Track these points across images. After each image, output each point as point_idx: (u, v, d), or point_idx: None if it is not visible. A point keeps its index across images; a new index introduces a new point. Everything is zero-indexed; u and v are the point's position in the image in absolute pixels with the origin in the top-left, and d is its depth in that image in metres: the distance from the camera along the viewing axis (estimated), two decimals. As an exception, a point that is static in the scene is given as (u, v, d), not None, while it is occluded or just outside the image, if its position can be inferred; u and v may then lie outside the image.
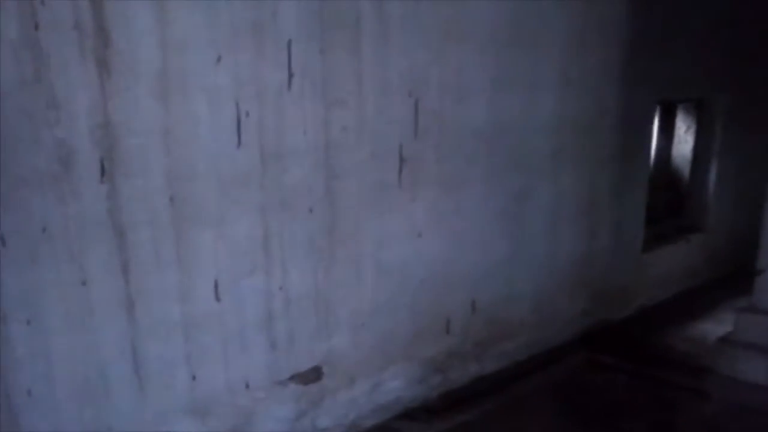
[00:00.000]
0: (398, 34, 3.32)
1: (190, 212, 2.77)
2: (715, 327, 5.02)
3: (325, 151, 3.14)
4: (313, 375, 3.30)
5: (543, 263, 4.46)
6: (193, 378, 2.88)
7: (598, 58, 4.46)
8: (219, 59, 2.73)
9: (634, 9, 4.58)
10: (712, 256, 6.14)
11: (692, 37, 5.22)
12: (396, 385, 3.69)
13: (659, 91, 5.06)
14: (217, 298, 2.90)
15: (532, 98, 4.08)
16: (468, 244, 3.93)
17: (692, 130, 5.91)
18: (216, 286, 2.89)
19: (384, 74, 3.31)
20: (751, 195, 6.91)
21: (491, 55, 3.77)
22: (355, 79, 3.19)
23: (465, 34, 3.61)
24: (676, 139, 5.98)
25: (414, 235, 3.62)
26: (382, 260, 3.50)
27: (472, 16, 3.61)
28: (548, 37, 4.09)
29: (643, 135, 5.10)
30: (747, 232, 6.74)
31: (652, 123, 5.23)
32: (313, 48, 2.99)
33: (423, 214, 3.64)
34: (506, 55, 3.85)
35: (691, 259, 5.90)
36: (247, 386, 3.07)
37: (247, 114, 2.85)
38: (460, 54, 3.61)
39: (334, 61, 3.08)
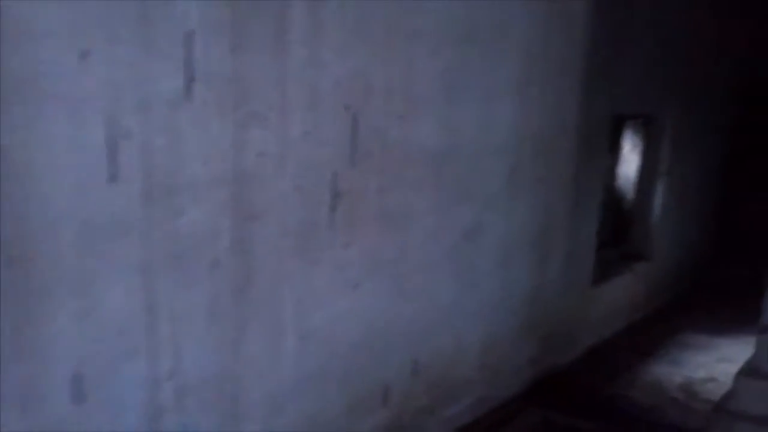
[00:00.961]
0: (334, 28, 2.52)
1: (37, 278, 1.86)
2: (671, 370, 4.57)
3: (235, 184, 2.30)
4: (216, 482, 2.46)
5: (492, 307, 3.79)
6: None
7: (559, 64, 3.84)
8: (85, 55, 1.84)
9: (595, 12, 3.99)
10: (653, 286, 5.72)
11: (644, 50, 4.73)
12: (322, 477, 2.90)
13: (613, 106, 4.51)
14: (78, 398, 2.01)
15: (488, 110, 3.39)
16: (411, 293, 3.19)
17: (638, 149, 5.44)
18: (76, 381, 2.00)
19: (315, 81, 2.51)
20: (693, 219, 6.67)
21: (444, 57, 3.05)
22: (277, 88, 2.37)
23: (414, 29, 2.86)
24: (620, 159, 5.49)
25: (348, 288, 2.84)
26: (307, 323, 2.70)
27: (422, 6, 2.87)
28: (507, 36, 3.41)
29: (598, 154, 4.54)
30: (687, 259, 6.47)
31: (606, 140, 4.68)
32: (221, 44, 2.14)
33: (360, 260, 2.86)
34: (461, 56, 3.14)
35: (634, 291, 5.44)
36: None
37: (126, 134, 1.97)
38: (408, 54, 2.86)
39: (249, 62, 2.25)
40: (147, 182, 2.05)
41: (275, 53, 2.33)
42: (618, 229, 5.52)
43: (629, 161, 5.45)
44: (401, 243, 3.05)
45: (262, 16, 2.24)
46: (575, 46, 3.94)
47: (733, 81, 6.51)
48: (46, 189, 1.85)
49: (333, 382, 2.87)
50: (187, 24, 2.01)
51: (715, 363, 4.69)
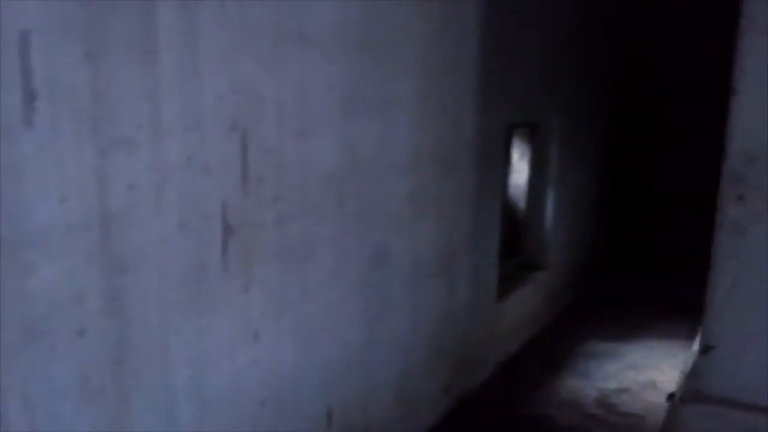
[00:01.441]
0: (214, 33, 2.11)
1: None
2: (584, 383, 4.45)
3: (101, 228, 1.82)
4: None
5: (404, 340, 3.46)
6: None
7: (455, 76, 3.61)
8: None
9: (486, 25, 3.81)
10: (551, 296, 5.64)
11: (533, 62, 4.65)
12: None
13: (506, 117, 4.37)
14: None
15: (388, 125, 3.08)
16: (319, 336, 2.79)
17: (527, 158, 5.36)
18: None
19: (194, 96, 2.08)
20: (583, 226, 6.74)
21: (340, 65, 2.71)
22: (148, 105, 1.92)
23: (306, 35, 2.49)
24: (511, 168, 5.38)
25: (249, 339, 2.40)
26: (204, 386, 2.24)
27: (314, 8, 2.51)
28: (404, 44, 3.13)
29: (497, 165, 4.37)
30: (579, 266, 6.50)
31: (503, 152, 4.52)
32: (71, 49, 1.67)
33: (261, 304, 2.44)
34: (357, 65, 2.81)
35: (535, 302, 5.33)
36: None
37: (-59, 172, 1.46)
38: (301, 63, 2.49)
39: (111, 73, 1.78)
40: (-21, 234, 1.54)
41: (143, 62, 1.88)
42: (512, 240, 5.41)
43: (519, 170, 5.36)
44: (305, 279, 2.66)
45: (124, 15, 1.79)
46: (469, 58, 3.73)
47: (611, 95, 6.69)
48: None
49: (238, 452, 2.42)
50: (22, 20, 1.53)
51: (624, 371, 4.63)
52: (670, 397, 3.27)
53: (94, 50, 1.71)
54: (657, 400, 4.11)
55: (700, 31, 6.73)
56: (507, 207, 5.30)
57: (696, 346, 4.80)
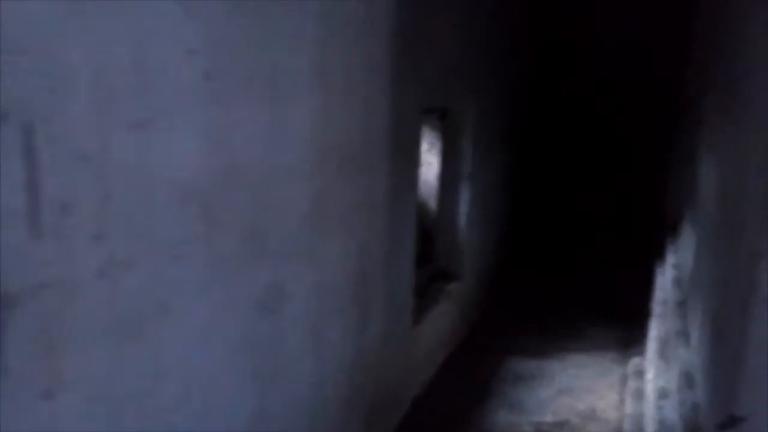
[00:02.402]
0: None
1: None
2: (515, 417, 3.78)
3: None
4: None
5: (309, 396, 2.57)
6: None
7: (363, 51, 2.73)
8: None
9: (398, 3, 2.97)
10: (466, 306, 4.93)
11: (447, 45, 3.86)
12: None
13: (422, 99, 3.54)
14: None
15: (278, 113, 2.15)
16: (185, 427, 1.84)
17: (437, 149, 4.58)
18: None
19: None
20: (495, 227, 6.06)
21: (206, 20, 1.75)
22: None
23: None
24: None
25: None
26: None
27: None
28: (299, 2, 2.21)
29: (412, 160, 3.54)
30: (491, 271, 5.83)
31: (419, 145, 3.70)
32: None
33: (78, 414, 1.46)
34: (233, 22, 1.86)
35: (451, 317, 4.58)
36: None
37: None
38: (139, 16, 1.51)
39: None
40: None
41: None
42: (422, 245, 4.62)
43: (428, 164, 4.57)
44: (157, 356, 1.69)
45: None
46: (381, 23, 2.86)
47: (527, 84, 6.08)
48: None
49: None
50: None
51: (558, 398, 3.98)
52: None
53: None
54: (602, 434, 3.51)
55: (621, 19, 6.32)
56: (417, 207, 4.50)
57: (631, 367, 4.30)
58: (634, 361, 4.33)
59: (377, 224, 3.06)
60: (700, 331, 2.56)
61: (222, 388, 2.00)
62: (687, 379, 2.57)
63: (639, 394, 3.82)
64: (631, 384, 4.00)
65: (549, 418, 3.74)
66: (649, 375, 3.50)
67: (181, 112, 1.69)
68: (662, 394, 2.82)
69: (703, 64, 4.37)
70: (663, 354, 3.19)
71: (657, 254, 5.14)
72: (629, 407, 3.72)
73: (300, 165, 2.31)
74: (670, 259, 4.34)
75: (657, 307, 4.04)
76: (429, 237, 4.70)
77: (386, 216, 3.15)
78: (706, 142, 3.52)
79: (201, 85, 1.75)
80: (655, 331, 3.86)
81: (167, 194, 1.67)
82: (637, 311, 5.23)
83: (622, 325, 5.11)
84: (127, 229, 1.53)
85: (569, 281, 6.05)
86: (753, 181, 1.95)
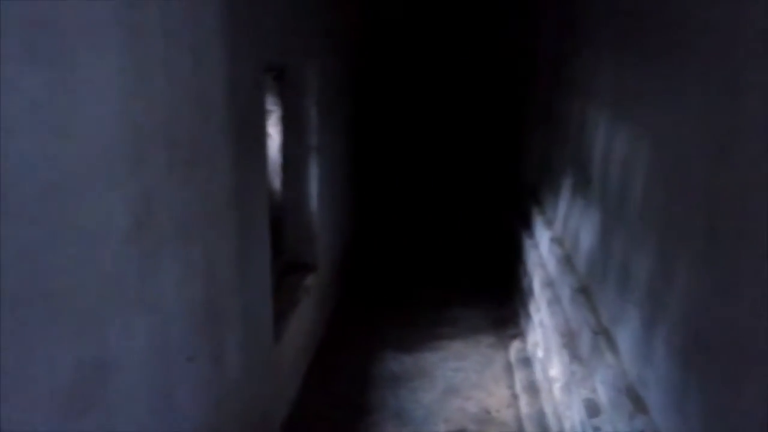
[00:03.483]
0: None
1: None
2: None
3: None
4: None
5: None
6: None
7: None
8: None
9: None
10: (324, 299, 4.27)
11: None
12: None
13: (262, 57, 2.74)
14: None
15: (63, 78, 1.29)
16: None
17: (276, 117, 3.78)
18: None
19: None
20: (345, 207, 5.33)
21: None
22: None
23: None
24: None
25: None
26: None
27: None
28: None
29: (259, 141, 2.74)
30: (342, 257, 5.14)
31: (265, 116, 2.90)
32: None
33: None
34: None
35: (311, 315, 3.89)
36: None
37: None
38: None
39: None
40: None
41: None
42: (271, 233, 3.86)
43: (268, 135, 3.77)
44: None
45: None
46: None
47: (363, 44, 5.34)
48: None
49: None
50: None
51: (445, 400, 3.46)
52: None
53: None
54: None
55: None
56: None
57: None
58: (516, 346, 3.94)
59: (225, 229, 2.26)
60: (646, 341, 2.10)
61: None
62: (630, 397, 2.11)
63: (533, 389, 3.41)
64: (520, 375, 3.59)
65: (442, 427, 3.22)
66: (552, 372, 3.07)
67: None
68: (591, 410, 2.36)
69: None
70: (574, 353, 2.75)
71: (519, 222, 4.81)
72: (525, 405, 3.29)
73: (108, 162, 1.46)
74: (543, 230, 3.97)
75: (540, 287, 3.64)
76: (277, 223, 3.94)
77: (235, 216, 2.35)
78: (597, 97, 3.09)
79: None
80: (544, 317, 3.45)
81: None
82: (503, 285, 4.91)
83: (490, 301, 4.74)
84: None
85: (427, 255, 5.60)
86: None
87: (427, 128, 6.08)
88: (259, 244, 2.76)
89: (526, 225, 4.59)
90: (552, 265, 3.56)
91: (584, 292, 2.94)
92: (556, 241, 3.65)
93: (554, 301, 3.28)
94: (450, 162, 6.07)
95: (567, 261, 3.36)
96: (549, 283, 3.50)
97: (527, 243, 4.31)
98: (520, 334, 4.08)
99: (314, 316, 3.98)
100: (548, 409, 3.12)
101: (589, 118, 3.20)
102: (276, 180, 3.84)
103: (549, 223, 4.01)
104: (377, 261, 5.47)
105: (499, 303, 4.67)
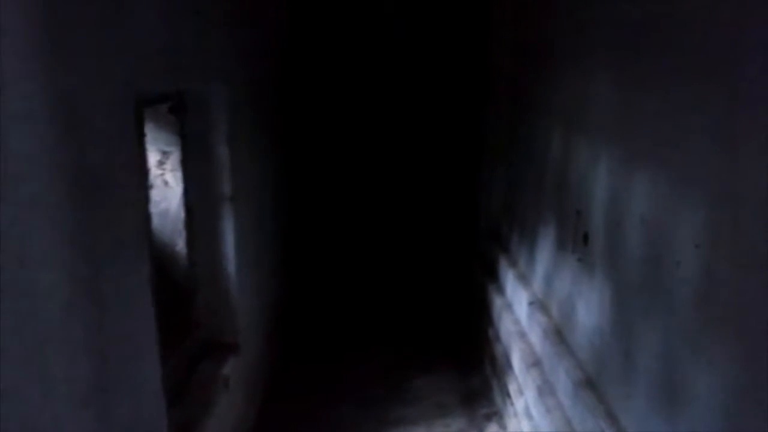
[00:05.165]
0: None
1: None
2: None
3: None
4: None
5: None
6: None
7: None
8: None
9: None
10: (253, 386, 3.42)
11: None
12: None
13: (134, 81, 1.91)
14: None
15: None
16: None
17: (175, 159, 2.93)
18: None
19: None
20: (275, 266, 4.41)
21: None
22: None
23: None
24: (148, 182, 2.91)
25: None
26: None
27: None
28: None
29: (130, 202, 1.88)
30: (278, 324, 4.24)
31: (141, 166, 2.06)
32: None
33: None
34: None
35: (231, 415, 3.02)
36: None
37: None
38: None
39: None
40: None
41: None
42: (170, 308, 2.99)
43: (165, 185, 2.92)
44: None
45: None
46: None
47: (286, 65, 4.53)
48: None
49: None
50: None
51: None
52: None
53: None
54: None
55: None
56: (152, 253, 2.83)
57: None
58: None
59: (70, 359, 1.41)
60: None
61: None
62: None
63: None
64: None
65: None
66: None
67: None
68: None
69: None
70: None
71: (483, 272, 4.06)
72: None
73: None
74: (519, 289, 3.23)
75: (522, 365, 2.88)
76: (182, 294, 3.08)
77: (87, 331, 1.51)
78: (591, 128, 2.38)
79: None
80: (533, 411, 2.68)
81: None
82: (468, 343, 4.14)
83: (456, 367, 3.95)
84: None
85: (375, 318, 4.70)
86: None
87: (370, 162, 5.26)
88: (137, 345, 1.91)
89: (492, 276, 3.85)
90: (536, 338, 2.81)
91: (591, 387, 2.19)
92: (538, 305, 2.92)
93: (547, 392, 2.52)
94: (398, 202, 5.24)
95: (557, 335, 2.62)
96: (536, 363, 2.74)
97: (497, 301, 3.56)
98: (496, 415, 3.31)
99: (238, 412, 3.12)
100: None
101: (579, 155, 2.48)
102: (178, 241, 3.00)
103: (523, 279, 3.27)
104: (319, 325, 4.59)
105: (466, 369, 3.89)
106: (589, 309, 2.28)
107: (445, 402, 3.54)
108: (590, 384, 2.21)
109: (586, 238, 2.33)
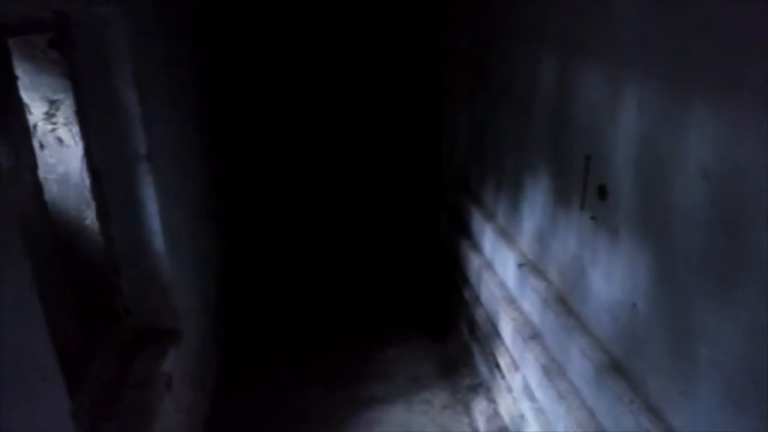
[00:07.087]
0: None
1: None
2: None
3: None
4: None
5: None
6: None
7: None
8: None
9: None
10: (201, 379, 2.91)
11: None
12: None
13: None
14: None
15: None
16: None
17: (68, 109, 2.29)
18: None
19: None
20: (215, 234, 3.75)
21: None
22: None
23: None
24: (28, 141, 2.27)
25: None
26: None
27: None
28: None
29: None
30: (226, 301, 3.62)
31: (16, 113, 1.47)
32: None
33: None
34: None
35: (177, 420, 2.52)
36: None
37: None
38: None
39: None
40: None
41: None
42: (87, 291, 2.42)
43: (59, 144, 2.30)
44: None
45: None
46: None
47: None
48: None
49: None
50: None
51: None
52: None
53: None
54: None
55: None
56: (42, 231, 2.22)
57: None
58: (483, 410, 2.74)
59: None
60: None
61: None
62: None
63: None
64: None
65: None
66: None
67: None
68: None
69: None
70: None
71: (451, 225, 3.59)
72: None
73: None
74: (502, 247, 2.78)
75: (516, 336, 2.45)
76: (100, 276, 2.50)
77: None
78: (601, 48, 1.89)
79: None
80: (539, 394, 2.26)
81: None
82: (435, 309, 3.69)
83: (429, 331, 3.53)
84: None
85: (336, 287, 4.16)
86: None
87: (317, 113, 4.62)
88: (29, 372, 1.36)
89: (464, 231, 3.39)
90: (533, 306, 2.38)
91: (620, 374, 1.78)
92: (531, 268, 2.47)
93: (555, 372, 2.10)
94: (351, 158, 4.65)
95: (560, 304, 2.18)
96: (534, 336, 2.32)
97: (473, 260, 3.11)
98: (481, 387, 2.91)
99: (188, 408, 2.62)
100: None
101: (585, 86, 1.99)
102: (87, 213, 2.40)
103: (506, 235, 2.82)
104: (274, 299, 4.04)
105: (439, 334, 3.46)
106: (610, 278, 1.84)
107: (421, 374, 3.12)
108: (618, 369, 1.79)
109: (602, 192, 1.87)
